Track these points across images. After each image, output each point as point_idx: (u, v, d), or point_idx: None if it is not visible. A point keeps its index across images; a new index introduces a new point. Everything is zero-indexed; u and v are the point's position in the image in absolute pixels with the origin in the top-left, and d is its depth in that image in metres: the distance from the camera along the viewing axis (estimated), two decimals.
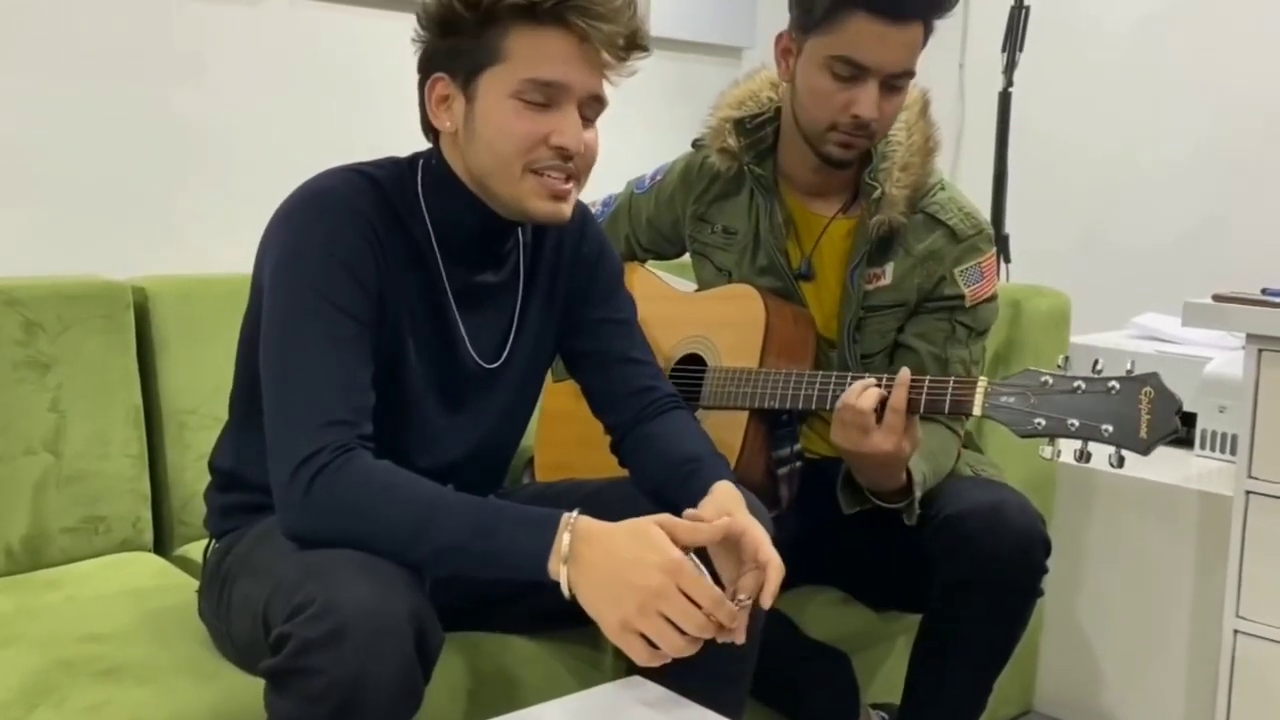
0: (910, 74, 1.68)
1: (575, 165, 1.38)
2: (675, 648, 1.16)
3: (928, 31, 1.67)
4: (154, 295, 1.88)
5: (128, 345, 1.85)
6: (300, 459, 1.25)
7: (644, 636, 1.17)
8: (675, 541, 1.20)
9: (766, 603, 1.27)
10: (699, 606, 1.16)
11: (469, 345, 1.46)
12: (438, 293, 1.43)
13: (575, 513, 1.22)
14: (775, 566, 1.29)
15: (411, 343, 1.42)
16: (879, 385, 1.54)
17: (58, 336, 1.78)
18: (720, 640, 1.20)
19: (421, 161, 1.45)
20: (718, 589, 1.18)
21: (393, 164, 1.44)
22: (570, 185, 1.39)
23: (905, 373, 1.53)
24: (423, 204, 1.43)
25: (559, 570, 1.19)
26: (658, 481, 1.48)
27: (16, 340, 1.75)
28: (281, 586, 1.22)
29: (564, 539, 1.20)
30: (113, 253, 2.03)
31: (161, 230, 2.11)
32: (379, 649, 1.13)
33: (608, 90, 1.40)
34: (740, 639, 1.20)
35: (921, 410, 1.53)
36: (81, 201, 2.03)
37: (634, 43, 1.37)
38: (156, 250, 2.09)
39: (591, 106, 1.38)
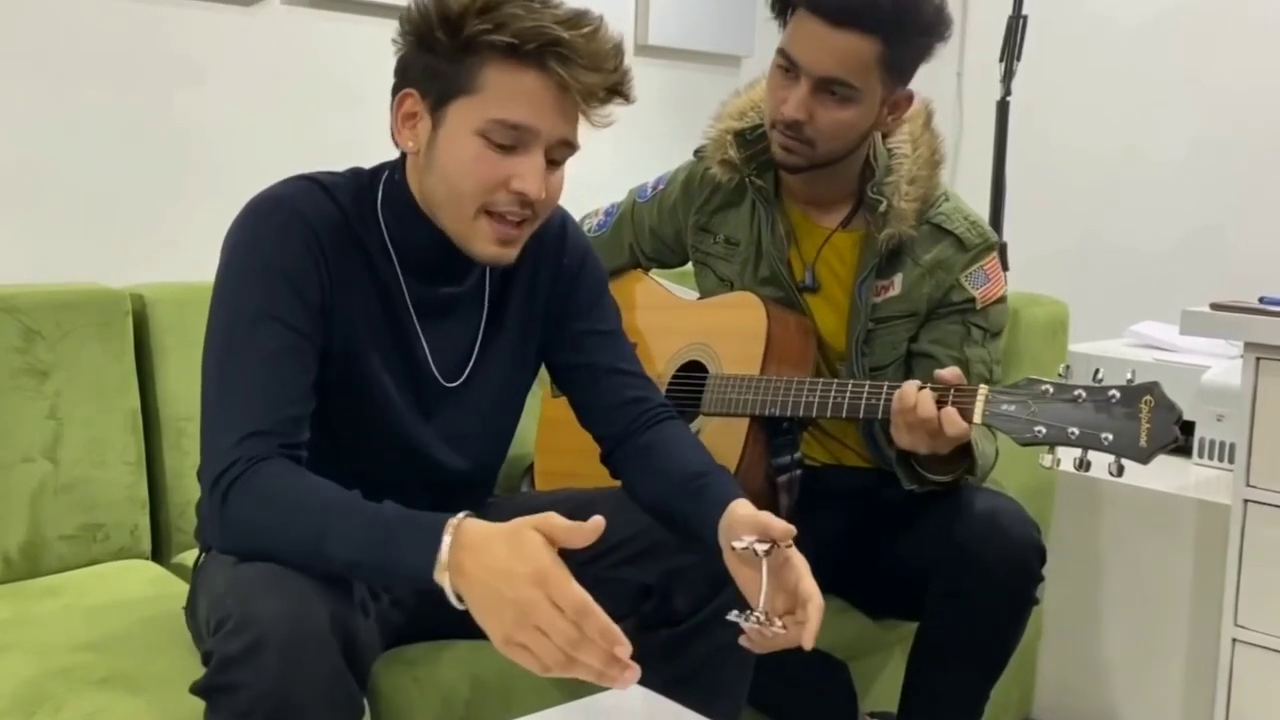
0: (848, 85, 1.64)
1: (533, 210, 1.35)
2: (556, 662, 1.10)
3: (885, 50, 1.62)
4: (152, 302, 1.88)
5: (126, 352, 1.85)
6: (218, 472, 1.24)
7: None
8: (554, 542, 1.13)
9: (808, 644, 1.24)
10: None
11: (430, 359, 1.44)
12: (396, 305, 1.41)
13: (462, 515, 1.16)
14: (816, 604, 1.25)
15: (375, 355, 1.40)
16: (922, 387, 1.51)
17: (56, 344, 1.78)
18: (603, 682, 1.11)
19: (385, 174, 1.42)
20: (584, 596, 1.10)
21: (353, 175, 1.43)
22: (522, 229, 1.36)
23: (954, 372, 1.53)
24: (380, 217, 1.41)
25: (443, 579, 1.14)
26: (659, 494, 1.46)
27: (15, 347, 1.74)
28: (212, 601, 1.21)
29: (444, 544, 1.14)
30: (111, 260, 2.03)
31: (159, 238, 2.11)
32: (301, 659, 1.11)
33: None
34: (627, 677, 1.11)
35: None
36: (79, 209, 2.03)
37: (615, 92, 1.34)
38: (154, 258, 2.09)
39: (560, 151, 1.35)
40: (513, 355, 1.52)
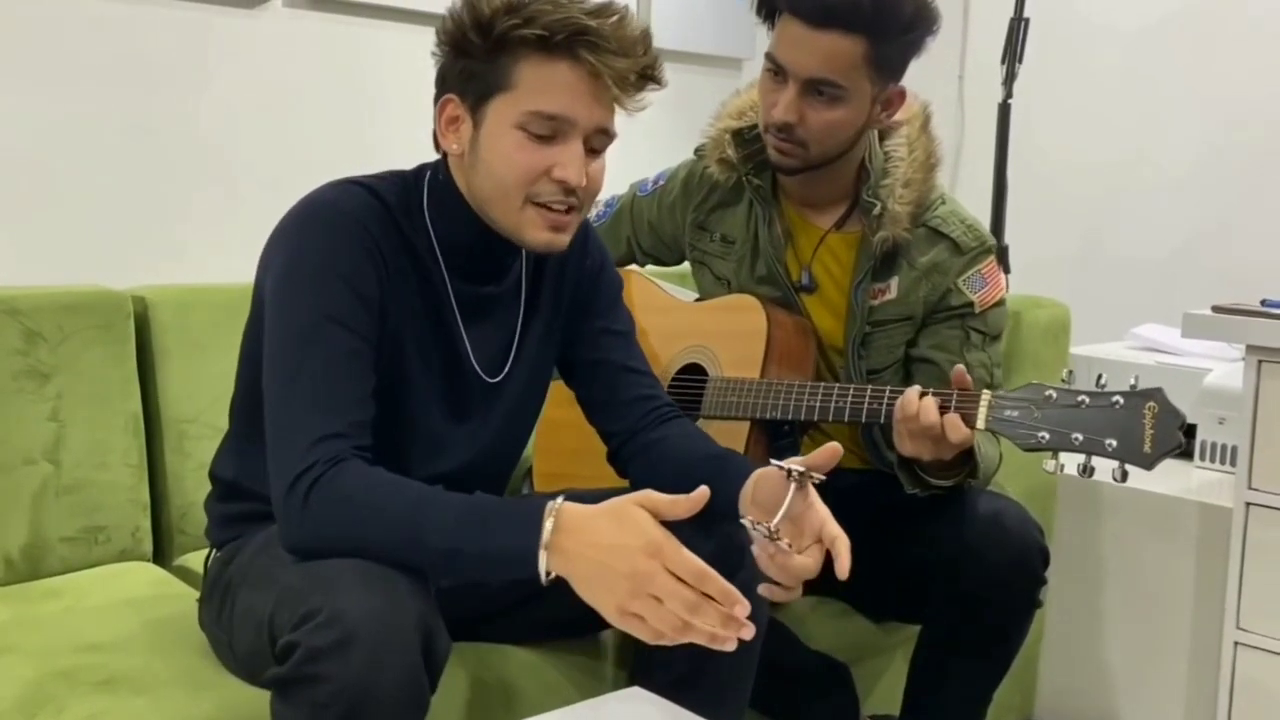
0: (835, 85, 1.64)
1: (577, 197, 1.38)
2: (673, 627, 1.14)
3: (870, 48, 1.63)
4: (154, 305, 1.88)
5: (127, 355, 1.85)
6: (296, 474, 1.25)
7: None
8: (658, 516, 1.18)
9: (844, 573, 1.26)
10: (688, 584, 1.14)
11: (473, 357, 1.47)
12: (442, 305, 1.44)
13: (560, 499, 1.20)
14: (844, 541, 1.28)
15: (416, 354, 1.42)
16: (924, 394, 1.52)
17: (58, 346, 1.78)
18: (724, 635, 1.15)
19: (429, 174, 1.45)
20: (701, 563, 1.15)
21: (396, 177, 1.44)
22: (571, 216, 1.39)
23: (960, 369, 1.52)
24: (426, 217, 1.43)
25: (541, 559, 1.18)
26: (673, 480, 1.44)
27: (16, 350, 1.74)
28: (286, 596, 1.22)
29: (546, 528, 1.18)
30: (113, 262, 2.03)
31: (161, 240, 2.11)
32: (386, 656, 1.13)
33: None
34: (744, 635, 1.15)
35: None
36: (81, 211, 2.03)
37: (647, 77, 1.36)
38: (156, 260, 2.09)
39: (599, 139, 1.38)
40: (540, 353, 1.55)
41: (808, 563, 1.28)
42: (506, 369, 1.50)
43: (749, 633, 1.15)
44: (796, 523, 1.30)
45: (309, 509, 1.24)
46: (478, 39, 1.33)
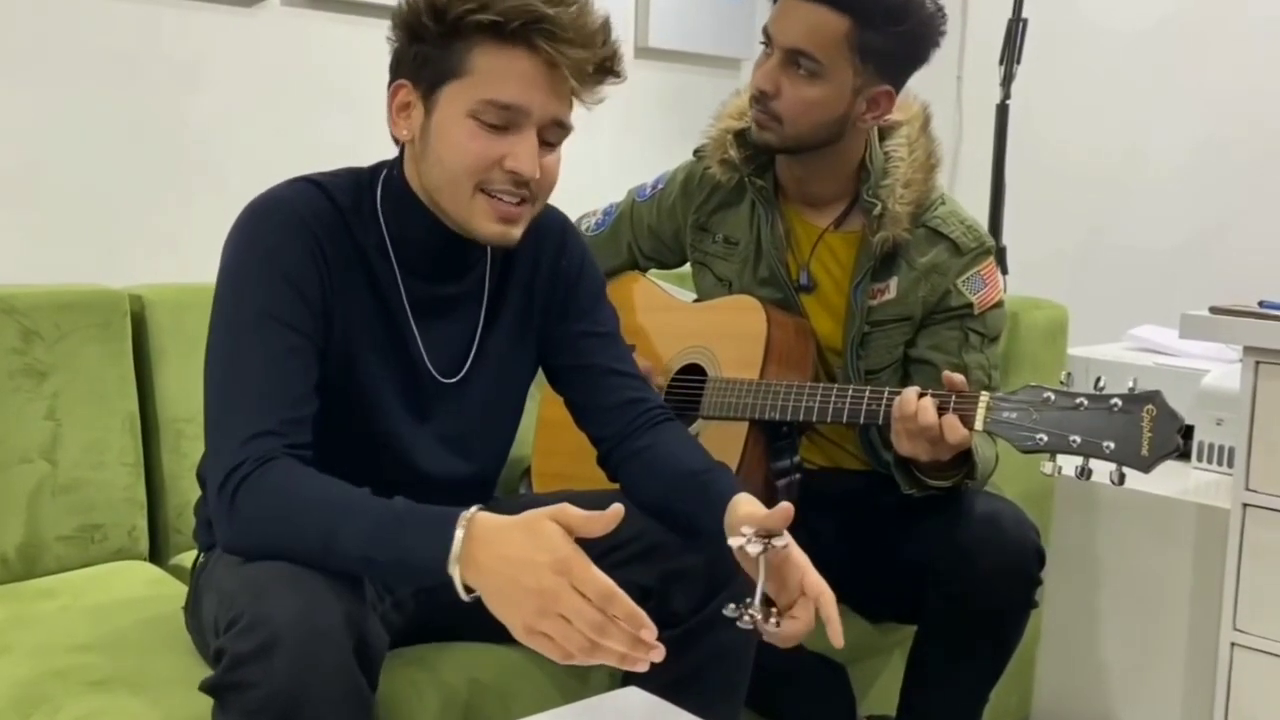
0: (813, 59, 1.65)
1: (530, 189, 1.35)
2: (580, 648, 1.11)
3: (854, 29, 1.64)
4: (151, 304, 1.87)
5: (124, 354, 1.84)
6: (226, 472, 1.24)
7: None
8: (571, 532, 1.14)
9: (838, 641, 1.25)
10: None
11: (426, 358, 1.44)
12: (391, 304, 1.41)
13: (474, 509, 1.17)
14: (827, 598, 1.26)
15: (370, 354, 1.40)
16: (923, 395, 1.52)
17: (54, 344, 1.77)
18: (626, 665, 1.12)
19: (384, 172, 1.43)
20: (608, 582, 1.11)
21: (350, 174, 1.43)
22: (522, 208, 1.36)
23: (949, 374, 1.53)
24: (380, 215, 1.41)
25: (454, 572, 1.15)
26: (659, 494, 1.46)
27: (13, 348, 1.74)
28: (223, 600, 1.21)
29: (457, 538, 1.15)
30: (110, 261, 2.03)
31: (158, 238, 2.11)
32: (313, 658, 1.11)
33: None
34: (654, 657, 1.12)
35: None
36: (78, 209, 2.03)
37: (606, 70, 1.34)
38: (153, 259, 2.09)
39: (553, 132, 1.35)
40: (510, 353, 1.52)
41: (798, 628, 1.27)
42: (465, 369, 1.47)
43: (659, 655, 1.12)
44: (778, 579, 1.28)
45: (235, 508, 1.23)
46: (432, 23, 1.30)
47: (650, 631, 1.11)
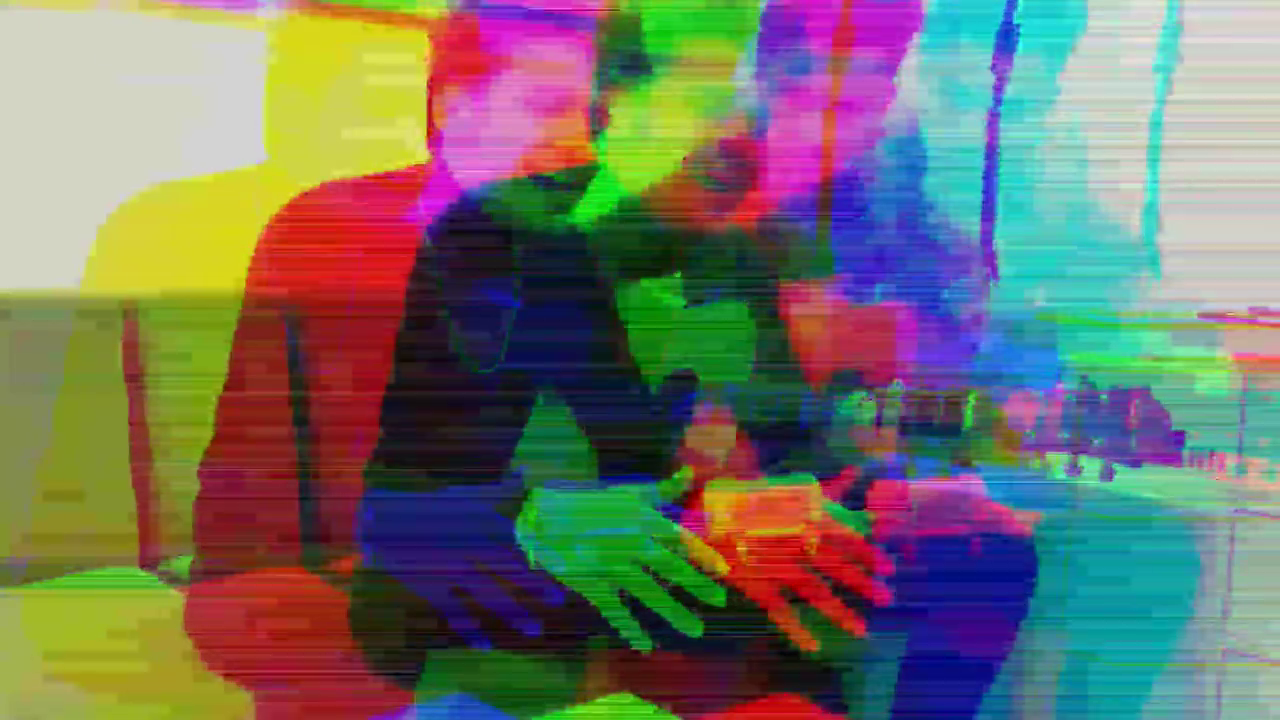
0: None
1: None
2: None
3: None
4: (145, 309, 1.87)
5: (118, 358, 1.85)
6: None
7: None
8: None
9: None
10: None
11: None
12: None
13: None
14: None
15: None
16: None
17: (50, 347, 1.77)
18: None
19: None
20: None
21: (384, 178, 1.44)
22: None
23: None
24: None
25: None
26: None
27: (6, 352, 1.74)
28: None
29: None
30: (105, 264, 2.02)
31: (154, 242, 2.10)
32: None
33: None
34: None
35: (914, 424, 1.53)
36: (73, 212, 2.03)
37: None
38: (149, 263, 2.08)
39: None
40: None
41: None
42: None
43: None
44: None
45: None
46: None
47: None
